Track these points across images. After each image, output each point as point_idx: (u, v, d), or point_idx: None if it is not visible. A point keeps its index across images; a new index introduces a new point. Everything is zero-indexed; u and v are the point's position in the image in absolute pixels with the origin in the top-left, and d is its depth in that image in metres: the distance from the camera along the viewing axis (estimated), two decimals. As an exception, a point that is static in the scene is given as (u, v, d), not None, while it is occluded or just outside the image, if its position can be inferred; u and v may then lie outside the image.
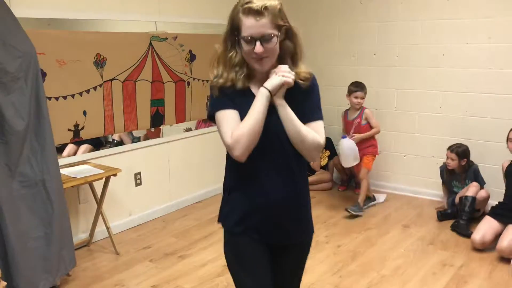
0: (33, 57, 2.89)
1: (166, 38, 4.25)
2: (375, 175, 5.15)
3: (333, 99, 5.27)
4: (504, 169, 3.91)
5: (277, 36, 1.64)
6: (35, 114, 2.92)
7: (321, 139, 1.72)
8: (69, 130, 3.61)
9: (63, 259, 3.12)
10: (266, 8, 1.61)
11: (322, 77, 5.22)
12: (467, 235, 3.81)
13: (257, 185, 1.76)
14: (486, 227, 3.62)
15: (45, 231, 2.98)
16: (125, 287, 3.18)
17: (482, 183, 4.20)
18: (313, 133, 1.71)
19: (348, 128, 4.68)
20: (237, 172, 1.80)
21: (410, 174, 4.96)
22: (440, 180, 4.60)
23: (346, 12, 5.07)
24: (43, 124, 2.97)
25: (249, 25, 1.61)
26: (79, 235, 3.78)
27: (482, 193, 4.06)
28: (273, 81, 1.66)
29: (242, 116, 1.67)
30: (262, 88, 1.67)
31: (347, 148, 4.42)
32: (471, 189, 4.05)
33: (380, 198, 4.84)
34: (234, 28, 1.65)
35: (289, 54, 1.72)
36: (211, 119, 1.76)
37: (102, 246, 3.81)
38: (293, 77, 1.67)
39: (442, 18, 4.51)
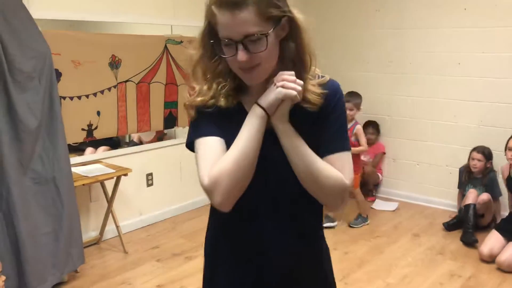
0: (47, 57, 2.97)
1: (181, 41, 4.30)
2: (387, 183, 5.11)
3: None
4: (505, 178, 3.86)
5: (266, 35, 1.12)
6: (48, 113, 2.99)
7: (347, 179, 1.21)
8: (82, 129, 3.68)
9: (71, 255, 3.18)
10: None
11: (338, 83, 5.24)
12: (472, 243, 3.79)
13: (250, 246, 1.28)
14: (493, 240, 3.58)
15: (54, 228, 3.04)
16: (131, 286, 3.23)
17: (497, 194, 4.14)
18: (334, 170, 1.20)
19: None
20: (221, 229, 1.34)
21: (423, 182, 4.91)
22: (453, 190, 4.54)
23: (361, 18, 5.06)
24: (56, 123, 3.04)
25: (225, 23, 1.12)
26: (89, 233, 3.84)
27: (482, 197, 4.02)
28: (269, 95, 1.17)
29: (230, 145, 1.19)
30: (254, 106, 1.19)
31: None
32: (470, 196, 4.03)
33: (391, 206, 4.80)
34: (210, 27, 1.18)
35: (292, 59, 1.20)
36: (191, 149, 1.28)
37: (112, 244, 3.86)
38: (300, 88, 1.16)
39: (459, 27, 4.47)
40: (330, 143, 1.23)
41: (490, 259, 3.51)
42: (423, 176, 4.90)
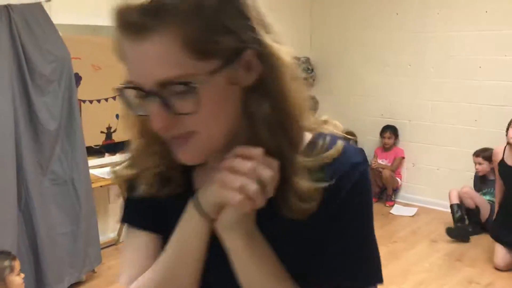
0: (66, 61, 3.05)
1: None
2: (407, 188, 5.05)
3: (366, 109, 5.23)
4: (497, 162, 3.64)
5: (195, 85, 0.63)
6: (67, 115, 3.07)
7: None
8: (101, 132, 3.75)
9: (89, 256, 3.25)
10: (161, 8, 0.61)
11: (357, 86, 5.24)
12: (460, 238, 3.93)
13: None
14: (501, 251, 3.52)
15: (72, 228, 3.11)
16: (146, 287, 3.26)
17: None
18: None
19: None
20: None
21: (443, 188, 4.82)
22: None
23: (381, 21, 5.03)
24: (75, 125, 3.11)
25: (128, 58, 0.71)
26: (108, 234, 3.90)
27: (463, 189, 4.10)
28: (208, 190, 0.72)
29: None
30: (190, 202, 0.74)
31: None
32: (452, 194, 4.10)
33: (410, 211, 4.74)
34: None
35: (268, 121, 0.69)
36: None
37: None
38: (256, 188, 0.64)
39: (480, 30, 4.40)
40: (335, 265, 0.74)
41: (506, 268, 3.44)
42: (443, 181, 4.82)
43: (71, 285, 3.14)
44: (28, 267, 2.81)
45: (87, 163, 3.23)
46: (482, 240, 3.93)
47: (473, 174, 4.56)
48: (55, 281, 2.97)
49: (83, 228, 3.17)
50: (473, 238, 4.05)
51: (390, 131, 4.95)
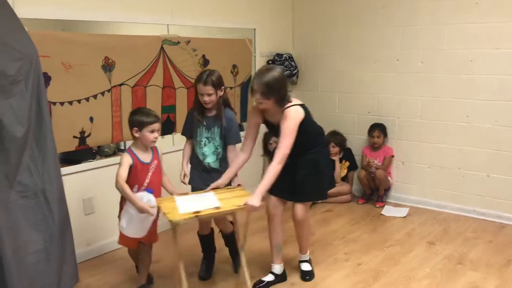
0: (34, 59, 2.71)
1: (179, 42, 4.06)
2: (397, 187, 4.88)
3: (353, 107, 5.04)
4: None
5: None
6: (35, 120, 2.74)
7: None
8: (74, 137, 3.43)
9: (64, 274, 2.92)
10: None
11: (342, 83, 5.04)
12: None
13: None
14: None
15: (45, 245, 2.77)
16: (129, 306, 2.98)
17: None
18: None
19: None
20: None
21: (434, 186, 4.68)
22: (466, 193, 4.35)
23: (366, 16, 4.84)
24: (44, 130, 2.78)
25: None
26: (83, 248, 3.58)
27: None
28: None
29: None
30: None
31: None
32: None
33: (402, 212, 4.57)
34: None
35: None
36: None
37: (107, 260, 3.61)
38: None
39: (470, 22, 4.25)
40: None
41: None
42: (434, 180, 4.67)
43: (45, 308, 2.81)
44: (-7, 294, 2.48)
45: (59, 172, 2.90)
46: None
47: (466, 172, 4.43)
48: (26, 306, 2.64)
49: (57, 244, 2.84)
50: (471, 240, 3.90)
51: (378, 130, 4.77)
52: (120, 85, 3.67)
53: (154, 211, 2.74)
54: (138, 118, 2.85)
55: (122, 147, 4.10)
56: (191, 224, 2.99)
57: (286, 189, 3.05)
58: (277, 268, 3.21)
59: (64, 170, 3.21)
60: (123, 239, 2.95)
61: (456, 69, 4.38)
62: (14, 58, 2.59)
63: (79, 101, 3.42)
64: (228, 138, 3.15)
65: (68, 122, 3.36)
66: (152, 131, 2.85)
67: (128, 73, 3.71)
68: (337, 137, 4.95)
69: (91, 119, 3.52)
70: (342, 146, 4.98)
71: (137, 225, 2.79)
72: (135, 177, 2.85)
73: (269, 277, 3.17)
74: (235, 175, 3.06)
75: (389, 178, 4.80)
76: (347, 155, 5.02)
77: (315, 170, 3.03)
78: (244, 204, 2.65)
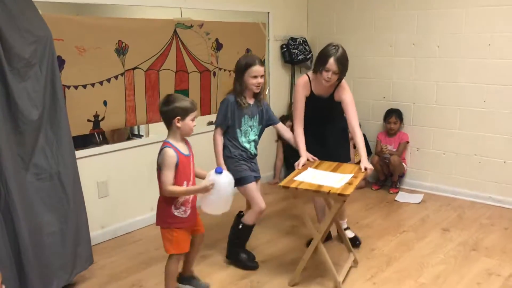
0: (49, 42, 2.72)
1: (192, 26, 4.04)
2: (411, 174, 4.84)
3: (368, 92, 4.98)
4: None
5: None
6: (50, 103, 2.76)
7: None
8: (88, 120, 3.44)
9: (79, 256, 2.96)
10: None
11: (357, 68, 4.97)
12: None
13: None
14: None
15: (60, 227, 2.82)
16: (143, 288, 3.01)
17: None
18: None
19: None
20: None
21: (449, 173, 4.62)
22: (482, 180, 4.30)
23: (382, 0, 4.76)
24: (59, 113, 2.80)
25: None
26: (97, 231, 3.61)
27: None
28: None
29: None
30: None
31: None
32: None
33: (416, 198, 4.53)
34: None
35: None
36: None
37: (121, 242, 3.65)
38: None
39: (488, 5, 4.15)
40: None
41: None
42: (449, 166, 4.61)
43: (61, 288, 2.86)
44: (10, 275, 2.51)
45: (74, 155, 2.92)
46: None
47: (482, 158, 4.37)
48: (42, 286, 2.68)
49: (72, 226, 2.88)
50: (486, 226, 3.86)
51: (395, 116, 4.71)
52: (134, 68, 3.66)
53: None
54: (181, 106, 2.53)
55: (136, 132, 4.11)
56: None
57: (318, 153, 3.24)
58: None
59: (79, 153, 3.23)
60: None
61: (474, 53, 4.29)
62: (29, 41, 2.61)
63: (93, 84, 3.42)
64: (271, 119, 3.29)
65: (82, 105, 3.37)
66: (193, 119, 2.58)
67: (142, 56, 3.70)
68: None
69: (105, 102, 3.53)
70: None
71: (220, 202, 2.66)
72: (183, 173, 2.56)
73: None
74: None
75: (403, 164, 4.75)
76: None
77: (345, 136, 3.44)
78: (365, 169, 3.00)
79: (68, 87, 3.26)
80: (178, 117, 2.52)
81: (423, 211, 4.24)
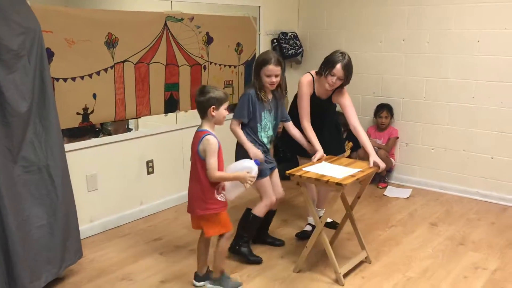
0: (37, 34, 2.69)
1: (182, 19, 4.02)
2: (400, 168, 4.87)
3: (357, 87, 4.99)
4: None
5: None
6: (39, 95, 2.73)
7: None
8: (77, 113, 3.42)
9: (68, 249, 2.94)
10: None
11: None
12: None
13: None
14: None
15: (49, 220, 2.79)
16: (132, 281, 3.00)
17: None
18: None
19: None
20: None
21: (438, 168, 4.67)
22: (470, 175, 4.34)
23: (373, -6, 4.77)
24: (48, 106, 2.77)
25: None
26: (86, 224, 3.60)
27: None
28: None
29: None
30: None
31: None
32: None
33: (405, 193, 4.57)
34: None
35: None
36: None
37: (110, 236, 3.63)
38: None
39: (478, 2, 4.18)
40: None
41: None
42: (438, 161, 4.66)
43: (49, 283, 2.83)
44: (-2, 267, 2.50)
45: (63, 148, 2.90)
46: None
47: (470, 153, 4.41)
48: (30, 280, 2.66)
49: (61, 219, 2.85)
50: (473, 221, 3.90)
51: (386, 110, 4.74)
52: (123, 61, 3.64)
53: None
54: (216, 96, 2.62)
55: (132, 126, 4.07)
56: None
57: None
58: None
59: (68, 146, 3.21)
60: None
61: (463, 49, 4.33)
62: (17, 32, 2.57)
63: (82, 77, 3.39)
64: (284, 116, 3.32)
65: (71, 98, 3.35)
66: (226, 108, 2.69)
67: (131, 49, 3.68)
68: (341, 118, 4.90)
69: (94, 95, 3.50)
70: (346, 127, 4.94)
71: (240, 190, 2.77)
72: (220, 160, 2.65)
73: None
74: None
75: (391, 159, 4.78)
76: (351, 136, 4.98)
77: (338, 129, 3.67)
78: (373, 166, 3.14)
79: (57, 79, 3.23)
80: (214, 106, 2.62)
81: (411, 206, 4.28)
